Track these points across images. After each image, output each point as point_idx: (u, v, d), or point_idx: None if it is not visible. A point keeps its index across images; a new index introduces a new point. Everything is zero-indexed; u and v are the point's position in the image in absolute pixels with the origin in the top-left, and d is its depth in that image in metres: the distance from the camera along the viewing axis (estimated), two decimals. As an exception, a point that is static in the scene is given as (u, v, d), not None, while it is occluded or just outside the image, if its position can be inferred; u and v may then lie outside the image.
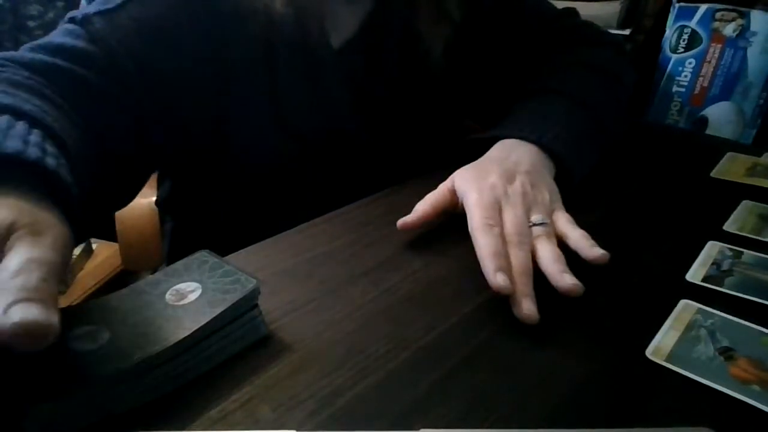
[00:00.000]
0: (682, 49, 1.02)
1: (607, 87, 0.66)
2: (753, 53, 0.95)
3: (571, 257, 0.43)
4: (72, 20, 0.50)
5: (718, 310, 0.40)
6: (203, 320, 0.33)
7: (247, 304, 0.36)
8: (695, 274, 0.45)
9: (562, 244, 0.45)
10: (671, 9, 1.03)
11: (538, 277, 0.42)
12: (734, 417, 0.32)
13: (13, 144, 0.33)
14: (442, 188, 0.51)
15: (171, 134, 0.54)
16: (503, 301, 0.40)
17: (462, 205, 0.49)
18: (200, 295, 0.35)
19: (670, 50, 1.03)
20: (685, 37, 1.01)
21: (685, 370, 0.35)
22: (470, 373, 0.35)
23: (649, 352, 0.37)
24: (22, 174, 0.33)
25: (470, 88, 0.70)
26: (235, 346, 0.36)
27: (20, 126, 0.36)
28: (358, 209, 0.55)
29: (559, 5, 0.75)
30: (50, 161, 0.34)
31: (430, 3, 0.59)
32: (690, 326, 0.39)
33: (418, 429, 0.31)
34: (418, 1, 0.59)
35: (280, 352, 0.37)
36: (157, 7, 0.51)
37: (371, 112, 0.62)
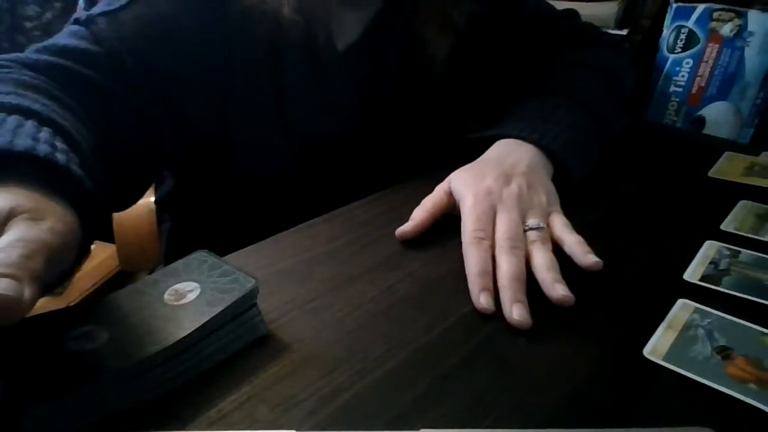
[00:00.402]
0: (680, 49, 1.02)
1: (607, 87, 0.66)
2: (750, 53, 0.96)
3: (568, 259, 0.44)
4: (77, 21, 0.50)
5: (715, 309, 0.40)
6: (202, 320, 0.33)
7: (246, 304, 0.36)
8: (693, 273, 0.45)
9: (558, 248, 0.45)
10: (668, 9, 1.03)
11: (535, 278, 0.42)
12: (732, 416, 0.33)
13: (23, 142, 0.33)
14: (439, 191, 0.51)
15: (176, 133, 0.54)
16: (502, 300, 0.40)
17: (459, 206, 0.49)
18: (199, 295, 0.35)
19: (668, 50, 1.04)
20: (683, 37, 1.01)
21: (683, 369, 0.35)
22: (469, 373, 0.35)
23: (646, 351, 0.37)
24: (33, 170, 0.33)
25: (472, 89, 0.71)
26: (233, 345, 0.36)
27: (29, 125, 0.36)
28: (358, 209, 0.55)
29: (559, 5, 0.75)
30: (60, 156, 0.34)
31: (434, 10, 0.59)
32: (687, 325, 0.39)
33: (418, 429, 0.31)
34: (423, 7, 0.59)
35: (279, 351, 0.37)
36: (161, 8, 0.52)
37: (374, 114, 0.62)
